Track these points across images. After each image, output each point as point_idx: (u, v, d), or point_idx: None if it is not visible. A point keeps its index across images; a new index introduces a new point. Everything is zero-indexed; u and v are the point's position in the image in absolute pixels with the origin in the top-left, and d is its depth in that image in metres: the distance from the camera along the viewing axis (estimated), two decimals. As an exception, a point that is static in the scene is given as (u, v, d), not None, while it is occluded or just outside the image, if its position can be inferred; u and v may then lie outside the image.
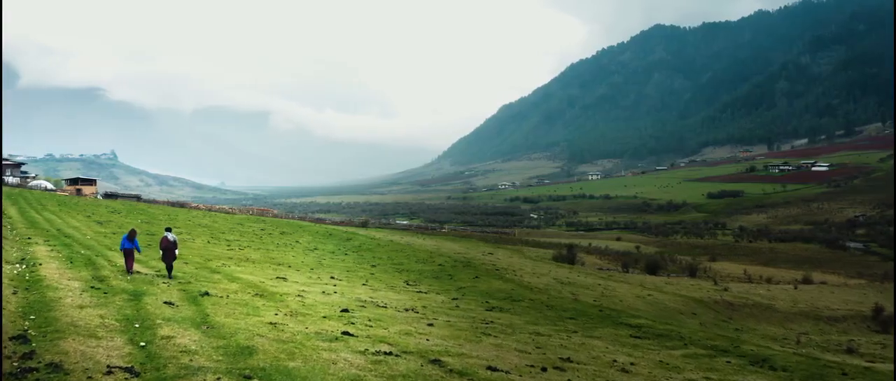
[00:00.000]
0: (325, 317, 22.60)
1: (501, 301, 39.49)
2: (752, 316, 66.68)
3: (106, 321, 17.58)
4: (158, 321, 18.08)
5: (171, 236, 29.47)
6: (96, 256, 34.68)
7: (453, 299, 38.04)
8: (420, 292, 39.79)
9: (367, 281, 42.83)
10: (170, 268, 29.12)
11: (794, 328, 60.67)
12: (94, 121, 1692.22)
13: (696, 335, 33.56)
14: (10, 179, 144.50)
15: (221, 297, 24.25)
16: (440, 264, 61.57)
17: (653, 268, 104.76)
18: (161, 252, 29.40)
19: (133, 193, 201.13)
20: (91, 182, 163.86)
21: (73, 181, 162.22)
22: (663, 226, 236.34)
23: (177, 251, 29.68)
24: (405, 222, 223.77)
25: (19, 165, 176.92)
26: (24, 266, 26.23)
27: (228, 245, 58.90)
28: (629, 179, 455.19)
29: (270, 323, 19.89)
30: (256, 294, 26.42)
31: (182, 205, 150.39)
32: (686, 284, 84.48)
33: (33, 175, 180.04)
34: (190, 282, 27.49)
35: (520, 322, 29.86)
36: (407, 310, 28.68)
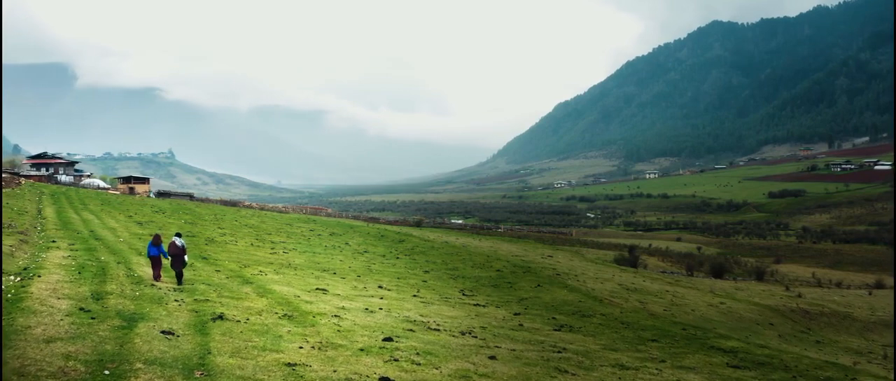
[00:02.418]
0: (362, 350, 18.25)
1: (570, 317, 34.85)
2: (831, 326, 61.48)
3: (70, 362, 13.55)
4: (138, 365, 13.94)
5: (179, 241, 27.93)
6: (117, 263, 31.55)
7: (515, 314, 33.50)
8: (477, 305, 35.33)
9: (418, 291, 38.54)
10: (180, 276, 27.49)
11: (876, 340, 55.26)
12: (151, 120, 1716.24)
13: (801, 364, 28.55)
14: (63, 178, 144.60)
15: (239, 321, 20.10)
16: (498, 270, 57.02)
17: (718, 271, 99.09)
18: (169, 259, 27.73)
19: (187, 191, 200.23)
20: (144, 180, 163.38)
21: (126, 180, 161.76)
22: (724, 226, 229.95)
23: (186, 258, 28.22)
24: (460, 222, 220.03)
25: (72, 163, 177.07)
26: (19, 278, 22.47)
27: (272, 248, 55.30)
28: (687, 177, 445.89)
29: (289, 365, 15.57)
30: (284, 315, 22.23)
31: (233, 204, 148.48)
32: (757, 289, 78.92)
33: (89, 173, 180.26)
34: (207, 300, 23.46)
35: (596, 348, 25.20)
36: (463, 333, 24.19)
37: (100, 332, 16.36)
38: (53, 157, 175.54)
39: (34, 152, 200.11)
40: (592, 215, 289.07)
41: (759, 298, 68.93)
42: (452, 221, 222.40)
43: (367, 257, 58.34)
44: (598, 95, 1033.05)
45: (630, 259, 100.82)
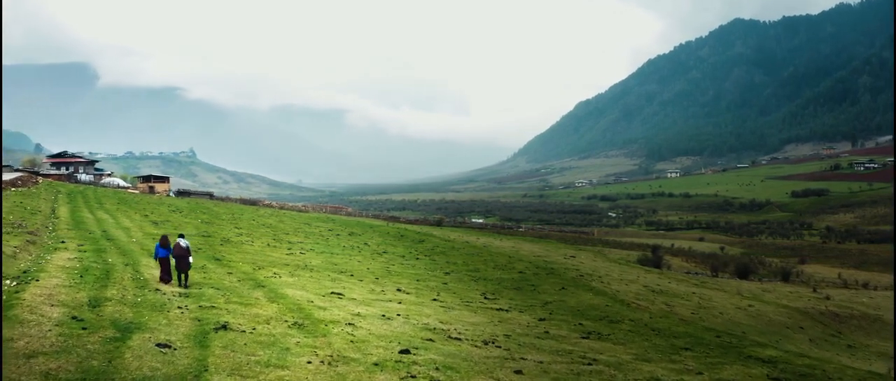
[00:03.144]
0: (376, 364, 16.68)
1: (597, 323, 33.18)
2: (861, 329, 59.86)
3: (48, 383, 12.09)
4: (124, 386, 12.46)
5: (183, 242, 27.56)
6: (125, 265, 30.35)
7: (540, 319, 31.86)
8: (501, 309, 33.70)
9: (438, 294, 36.99)
10: (185, 277, 27.09)
11: (908, 343, 53.32)
12: (173, 119, 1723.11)
13: (845, 375, 26.80)
14: (83, 177, 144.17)
15: (244, 331, 18.63)
16: (521, 272, 55.36)
17: (743, 272, 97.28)
18: (173, 260, 27.13)
19: (208, 190, 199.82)
20: (164, 179, 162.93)
21: (146, 179, 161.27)
22: (747, 226, 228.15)
23: (191, 259, 27.66)
24: (480, 221, 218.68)
25: (92, 162, 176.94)
26: (16, 283, 21.14)
27: (289, 248, 53.97)
28: (709, 176, 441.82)
29: (294, 384, 14.08)
30: (295, 324, 20.71)
31: (253, 202, 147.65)
32: (784, 291, 77.09)
33: (109, 172, 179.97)
34: (213, 307, 22.01)
35: (628, 358, 23.54)
36: (486, 343, 22.61)
37: (89, 345, 14.99)
38: (73, 156, 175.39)
39: (56, 151, 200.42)
40: (614, 215, 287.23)
41: (787, 300, 67.25)
42: (473, 220, 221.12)
43: (386, 258, 56.88)
44: (620, 93, 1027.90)
45: (654, 260, 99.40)
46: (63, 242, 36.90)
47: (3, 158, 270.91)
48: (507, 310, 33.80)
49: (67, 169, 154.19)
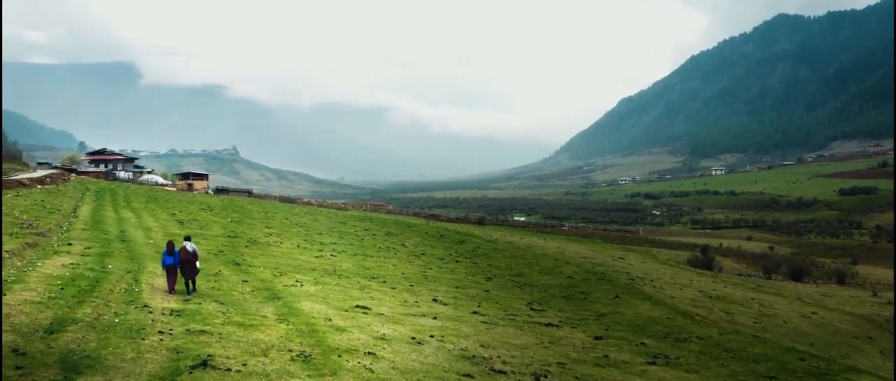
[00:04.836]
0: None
1: (662, 342, 28.90)
2: (929, 336, 54.87)
3: None
4: None
5: (190, 245, 25.35)
6: (126, 272, 27.42)
7: (596, 338, 27.63)
8: (550, 325, 29.50)
9: (479, 305, 32.91)
10: (192, 283, 25.31)
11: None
12: (216, 117, 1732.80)
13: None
14: (121, 174, 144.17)
15: (230, 370, 14.67)
16: (569, 277, 51.02)
17: (797, 274, 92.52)
18: (180, 264, 24.97)
19: (248, 188, 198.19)
20: (202, 177, 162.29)
21: (184, 176, 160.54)
22: (795, 224, 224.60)
23: (198, 264, 25.81)
24: (523, 219, 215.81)
25: (131, 160, 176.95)
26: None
27: (320, 250, 50.42)
28: (755, 174, 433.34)
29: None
30: (300, 355, 16.67)
31: (290, 200, 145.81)
32: (844, 295, 72.15)
33: (150, 170, 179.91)
34: (204, 330, 18.18)
35: (709, 391, 19.34)
36: (537, 378, 18.51)
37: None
38: (112, 153, 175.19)
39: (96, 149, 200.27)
40: (658, 213, 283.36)
41: (850, 306, 62.45)
42: (515, 218, 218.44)
43: (424, 261, 53.03)
44: (662, 90, 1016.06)
45: (704, 261, 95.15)
46: (70, 244, 34.31)
47: (47, 156, 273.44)
48: (557, 325, 29.61)
49: (106, 166, 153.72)
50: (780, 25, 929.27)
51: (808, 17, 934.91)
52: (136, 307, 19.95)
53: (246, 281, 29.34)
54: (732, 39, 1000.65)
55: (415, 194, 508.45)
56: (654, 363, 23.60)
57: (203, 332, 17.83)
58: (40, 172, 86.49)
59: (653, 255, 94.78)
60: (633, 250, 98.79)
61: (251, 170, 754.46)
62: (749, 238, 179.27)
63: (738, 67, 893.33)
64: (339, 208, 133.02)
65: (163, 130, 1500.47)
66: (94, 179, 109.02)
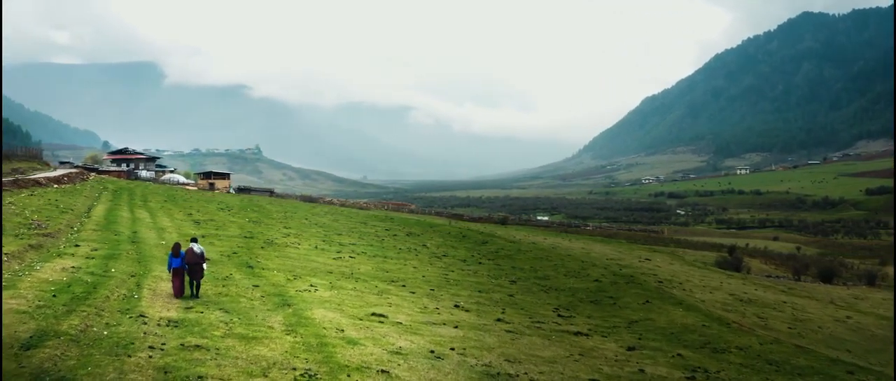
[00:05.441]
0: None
1: (699, 353, 26.96)
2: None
3: None
4: None
5: (197, 247, 24.39)
6: (129, 276, 25.96)
7: (629, 349, 25.70)
8: (579, 333, 27.59)
9: (503, 311, 31.11)
10: (198, 287, 24.29)
11: None
12: (239, 117, 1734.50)
13: None
14: (143, 173, 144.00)
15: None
16: (596, 280, 49.02)
17: (827, 275, 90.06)
18: (186, 268, 23.93)
19: (271, 187, 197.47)
20: (224, 176, 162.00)
21: (206, 175, 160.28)
22: (821, 224, 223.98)
23: (205, 266, 24.91)
24: (546, 219, 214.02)
25: (153, 159, 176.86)
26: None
27: (338, 251, 48.86)
28: (780, 173, 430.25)
29: None
30: (304, 374, 14.81)
31: (311, 199, 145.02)
32: (877, 298, 69.78)
33: (172, 169, 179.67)
34: (199, 346, 16.47)
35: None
36: (570, 396, 16.75)
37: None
38: (133, 152, 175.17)
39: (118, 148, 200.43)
40: (683, 213, 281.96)
41: (884, 309, 60.24)
42: (538, 217, 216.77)
43: (445, 263, 51.29)
44: (686, 88, 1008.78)
45: (732, 262, 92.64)
46: (77, 245, 33.06)
47: (70, 156, 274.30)
48: (586, 334, 27.71)
49: (127, 165, 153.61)
50: (805, 23, 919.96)
51: (833, 14, 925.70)
52: (131, 317, 18.36)
53: (257, 286, 27.75)
54: (757, 37, 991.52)
55: (437, 193, 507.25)
56: (693, 379, 21.70)
57: (199, 347, 16.14)
58: (58, 172, 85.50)
59: (679, 256, 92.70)
60: (660, 250, 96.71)
61: (274, 169, 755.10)
62: (775, 238, 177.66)
63: (762, 65, 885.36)
64: (361, 208, 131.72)
65: (186, 130, 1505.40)
66: (114, 179, 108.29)
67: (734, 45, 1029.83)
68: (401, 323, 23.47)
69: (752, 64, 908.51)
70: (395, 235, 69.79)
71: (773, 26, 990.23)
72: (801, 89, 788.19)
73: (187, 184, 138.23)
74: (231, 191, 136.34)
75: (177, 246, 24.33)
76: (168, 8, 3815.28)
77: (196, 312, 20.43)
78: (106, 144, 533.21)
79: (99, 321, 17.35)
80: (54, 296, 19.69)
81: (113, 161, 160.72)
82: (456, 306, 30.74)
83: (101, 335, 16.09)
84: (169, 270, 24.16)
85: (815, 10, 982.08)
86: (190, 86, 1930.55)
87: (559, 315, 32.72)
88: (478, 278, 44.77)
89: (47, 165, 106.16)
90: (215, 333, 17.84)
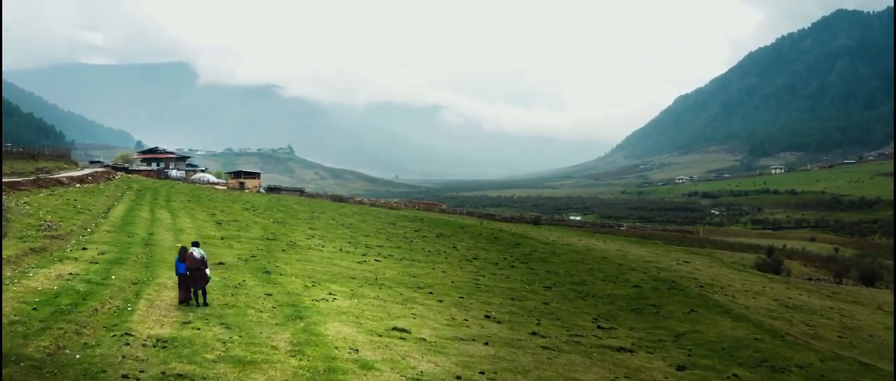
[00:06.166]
0: None
1: (755, 373, 24.17)
2: None
3: None
4: None
5: (197, 252, 22.67)
6: (131, 284, 24.14)
7: (680, 368, 23.04)
8: (623, 349, 24.93)
9: (538, 322, 28.57)
10: (203, 294, 22.57)
11: None
12: (271, 117, 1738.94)
13: None
14: (173, 173, 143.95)
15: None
16: (636, 286, 46.12)
17: (869, 279, 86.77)
18: (187, 274, 22.15)
19: (299, 187, 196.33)
20: (254, 175, 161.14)
21: (236, 174, 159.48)
22: (858, 225, 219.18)
23: (208, 271, 22.89)
24: (578, 219, 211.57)
25: (183, 158, 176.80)
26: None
27: (364, 254, 46.65)
28: (815, 173, 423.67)
29: None
30: None
31: (341, 199, 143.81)
32: (925, 302, 66.49)
33: (203, 168, 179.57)
34: (183, 375, 14.12)
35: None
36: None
37: None
38: (164, 151, 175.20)
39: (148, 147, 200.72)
40: (717, 213, 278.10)
41: (933, 314, 57.04)
42: (571, 217, 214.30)
43: (476, 267, 48.83)
44: (719, 87, 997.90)
45: (772, 264, 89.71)
46: (84, 248, 31.25)
47: (103, 155, 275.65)
48: (631, 350, 25.06)
49: (158, 165, 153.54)
50: (839, 21, 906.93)
51: (867, 12, 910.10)
52: (114, 336, 16.13)
53: (270, 295, 25.50)
54: (790, 35, 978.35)
55: (469, 192, 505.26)
56: (757, 407, 19.07)
57: (182, 376, 13.80)
58: (82, 171, 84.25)
59: (718, 258, 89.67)
60: (697, 252, 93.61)
61: (306, 169, 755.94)
62: (812, 239, 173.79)
63: (796, 63, 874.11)
64: (391, 208, 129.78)
65: (219, 130, 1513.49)
66: (141, 178, 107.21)
67: (768, 43, 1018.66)
68: (425, 340, 20.99)
69: (786, 62, 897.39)
70: (425, 236, 67.49)
71: (806, 24, 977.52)
72: (835, 88, 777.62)
73: (218, 183, 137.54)
74: (261, 190, 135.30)
75: (184, 250, 22.52)
76: (199, 9, 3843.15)
77: (192, 328, 18.13)
78: (139, 143, 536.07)
79: (75, 342, 15.16)
80: (35, 309, 17.57)
81: (143, 160, 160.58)
82: (487, 316, 28.24)
83: (72, 359, 13.87)
84: (177, 274, 22.50)
85: (849, 7, 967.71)
86: (222, 86, 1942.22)
87: (599, 327, 30.04)
88: (510, 283, 42.24)
89: (75, 164, 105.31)
90: (207, 356, 15.49)
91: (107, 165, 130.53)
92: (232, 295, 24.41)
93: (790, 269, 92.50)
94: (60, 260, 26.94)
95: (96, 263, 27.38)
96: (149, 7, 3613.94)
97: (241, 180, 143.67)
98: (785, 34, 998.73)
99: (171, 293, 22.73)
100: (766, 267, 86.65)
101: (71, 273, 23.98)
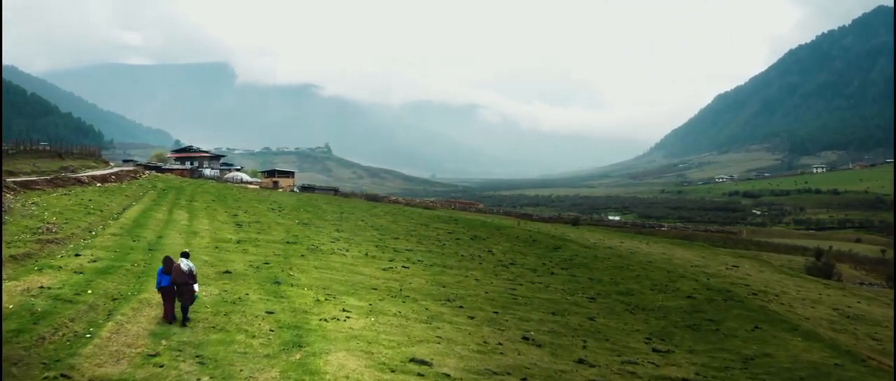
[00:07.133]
0: None
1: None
2: None
3: None
4: None
5: (184, 264, 20.08)
6: (109, 300, 20.98)
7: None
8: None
9: (585, 346, 24.69)
10: (184, 311, 19.91)
11: None
12: (308, 116, 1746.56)
13: None
14: (207, 172, 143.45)
15: None
16: (689, 296, 41.66)
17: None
18: (174, 289, 19.68)
19: (334, 186, 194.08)
20: (288, 174, 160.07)
21: (270, 173, 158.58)
22: None
23: (196, 287, 20.23)
24: (618, 219, 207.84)
25: (217, 157, 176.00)
26: None
27: (390, 261, 42.97)
28: (857, 172, 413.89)
29: None
30: None
31: (375, 198, 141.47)
32: None
33: (239, 167, 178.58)
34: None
35: None
36: None
37: None
38: (197, 150, 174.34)
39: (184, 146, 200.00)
40: (758, 213, 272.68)
41: None
42: (609, 217, 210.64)
43: (512, 274, 44.99)
44: (759, 85, 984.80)
45: (823, 268, 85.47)
46: (77, 254, 28.10)
47: (141, 154, 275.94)
48: (695, 381, 21.17)
49: (191, 164, 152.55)
50: (880, 18, 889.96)
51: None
52: (46, 378, 12.61)
53: (271, 312, 21.92)
54: (831, 32, 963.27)
55: (506, 191, 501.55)
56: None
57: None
58: (107, 170, 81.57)
59: (766, 261, 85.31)
60: (744, 255, 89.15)
61: (343, 168, 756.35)
62: (858, 240, 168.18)
63: (837, 61, 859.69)
64: (426, 207, 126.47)
65: (257, 129, 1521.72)
66: (169, 177, 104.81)
67: (808, 41, 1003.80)
68: (448, 376, 17.22)
69: (827, 60, 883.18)
70: (458, 239, 63.69)
71: (845, 21, 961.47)
72: (877, 86, 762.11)
73: (251, 182, 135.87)
74: (295, 190, 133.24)
75: (168, 260, 19.77)
76: (236, 9, 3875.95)
77: (154, 365, 14.57)
78: (177, 143, 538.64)
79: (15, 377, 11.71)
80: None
81: (177, 159, 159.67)
82: (525, 337, 24.40)
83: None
84: (157, 288, 20.03)
85: (890, 4, 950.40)
86: (260, 85, 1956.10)
87: (654, 350, 26.01)
88: (550, 293, 38.27)
89: (105, 163, 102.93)
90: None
91: (138, 164, 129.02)
92: (225, 314, 20.88)
93: (841, 273, 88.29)
94: (39, 270, 23.64)
95: (81, 273, 24.05)
96: (186, 7, 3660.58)
97: (275, 179, 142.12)
98: (825, 32, 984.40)
99: (153, 312, 19.43)
100: (817, 271, 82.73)
101: (41, 287, 20.67)
